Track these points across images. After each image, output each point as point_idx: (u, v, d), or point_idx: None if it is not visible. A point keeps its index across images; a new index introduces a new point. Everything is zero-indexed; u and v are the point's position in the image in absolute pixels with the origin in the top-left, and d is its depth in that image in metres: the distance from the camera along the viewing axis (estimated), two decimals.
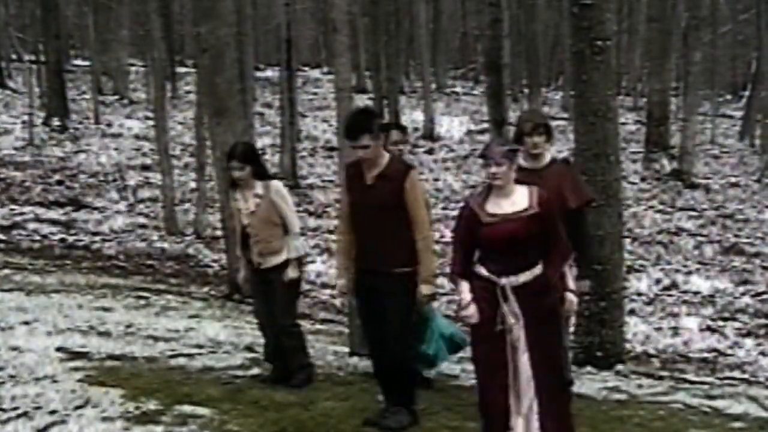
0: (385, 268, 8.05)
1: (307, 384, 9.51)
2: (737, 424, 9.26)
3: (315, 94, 40.50)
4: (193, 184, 24.14)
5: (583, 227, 8.68)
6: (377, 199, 8.01)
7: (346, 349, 11.33)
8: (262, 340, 11.98)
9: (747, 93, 40.06)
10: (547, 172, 8.30)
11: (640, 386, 10.48)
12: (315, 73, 45.93)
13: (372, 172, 8.01)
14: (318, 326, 14.21)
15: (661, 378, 11.82)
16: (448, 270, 7.55)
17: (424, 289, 8.10)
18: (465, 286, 7.13)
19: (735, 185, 29.59)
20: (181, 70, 40.35)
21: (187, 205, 23.94)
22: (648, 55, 35.54)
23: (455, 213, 8.49)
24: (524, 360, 7.11)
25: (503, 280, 7.11)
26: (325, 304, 16.65)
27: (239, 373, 10.02)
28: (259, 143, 29.09)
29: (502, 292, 7.08)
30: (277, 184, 9.53)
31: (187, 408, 8.60)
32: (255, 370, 10.24)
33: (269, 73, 41.24)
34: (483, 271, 7.12)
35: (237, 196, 9.45)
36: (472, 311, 7.08)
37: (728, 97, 47.21)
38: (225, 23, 15.62)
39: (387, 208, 8.01)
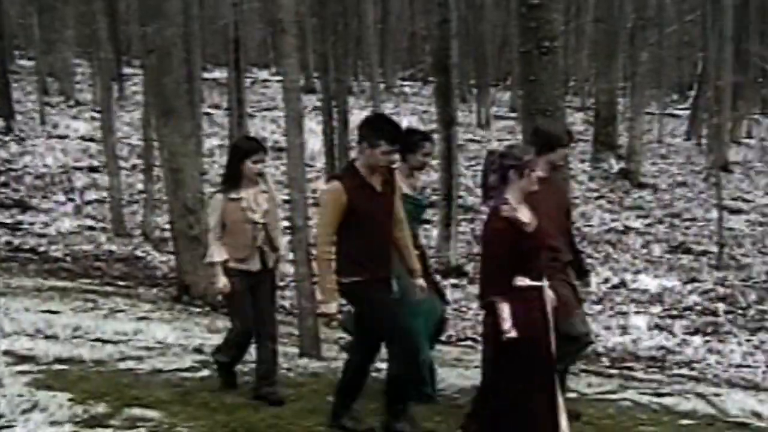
0: (391, 273, 8.00)
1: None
2: (686, 421, 9.33)
3: (263, 94, 40.43)
4: (140, 186, 23.98)
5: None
6: (388, 205, 7.93)
7: (296, 351, 11.31)
8: (212, 342, 11.96)
9: (693, 93, 40.38)
10: (554, 179, 8.30)
11: (589, 384, 10.53)
12: (263, 74, 45.85)
13: (379, 178, 7.86)
14: None
15: (610, 376, 11.89)
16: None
17: (423, 282, 8.24)
18: (508, 308, 6.95)
19: (682, 184, 29.84)
20: (128, 70, 40.10)
21: (134, 207, 23.80)
22: (595, 55, 35.77)
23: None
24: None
25: (545, 283, 7.19)
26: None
27: (188, 375, 9.97)
28: (207, 144, 28.98)
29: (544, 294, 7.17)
30: (268, 177, 9.33)
31: (136, 411, 8.55)
32: (204, 372, 10.19)
33: (217, 73, 41.04)
34: (526, 281, 7.04)
35: (242, 195, 8.95)
36: (514, 334, 6.92)
37: (675, 96, 47.57)
38: (172, 23, 15.53)
39: (392, 213, 7.99)
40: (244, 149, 9.06)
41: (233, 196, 8.91)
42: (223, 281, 8.94)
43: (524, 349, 6.93)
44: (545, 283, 7.16)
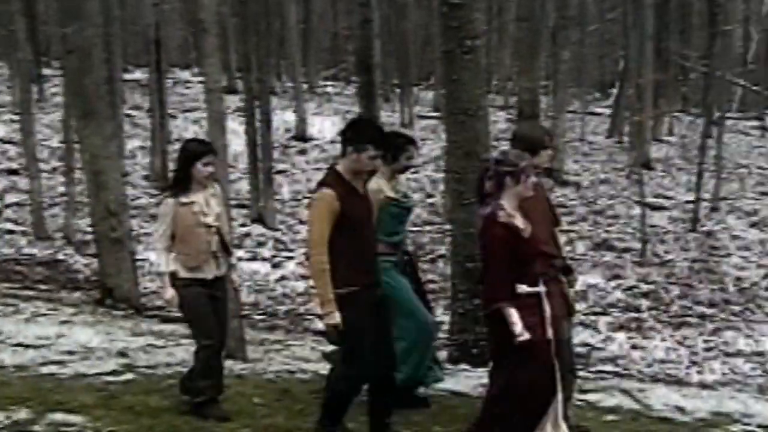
0: (374, 284, 7.89)
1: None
2: (610, 417, 9.39)
3: (185, 95, 40.14)
4: (61, 188, 23.72)
5: None
6: (370, 208, 7.87)
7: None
8: (134, 345, 11.86)
9: (615, 91, 40.71)
10: (539, 183, 8.24)
11: None
12: (185, 74, 45.49)
13: (360, 182, 7.78)
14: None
15: None
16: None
17: None
18: (516, 312, 6.98)
19: (605, 182, 30.07)
20: (48, 71, 39.60)
21: (56, 210, 23.53)
22: (517, 53, 35.86)
23: None
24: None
25: (542, 288, 7.18)
26: None
27: (112, 379, 9.87)
28: (129, 145, 28.76)
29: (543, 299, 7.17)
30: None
31: (59, 416, 8.45)
32: (128, 376, 10.10)
33: (138, 74, 40.68)
34: (524, 288, 7.04)
35: (193, 198, 8.46)
36: (528, 335, 6.97)
37: (597, 94, 47.85)
38: (91, 24, 15.37)
39: (372, 216, 7.91)
40: (194, 151, 8.56)
41: (184, 200, 8.45)
42: (170, 293, 8.51)
43: (526, 354, 6.98)
44: (542, 288, 7.18)
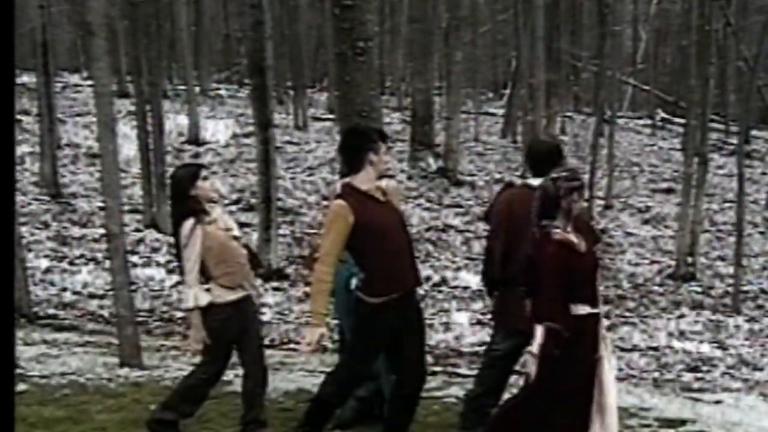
0: (415, 286, 7.73)
1: None
2: None
3: (75, 99, 39.59)
4: None
5: None
6: (396, 213, 7.65)
7: (116, 360, 11.09)
8: (27, 354, 11.65)
9: (507, 91, 41.01)
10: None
11: None
12: (74, 78, 44.90)
13: (378, 189, 7.52)
14: (87, 338, 13.86)
15: (434, 373, 11.92)
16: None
17: None
18: (544, 333, 6.91)
19: (499, 181, 30.20)
20: None
21: None
22: (411, 55, 35.95)
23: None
24: (610, 379, 7.22)
25: (599, 309, 7.13)
26: (93, 315, 16.25)
27: None
28: (18, 151, 28.24)
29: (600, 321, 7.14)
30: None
31: None
32: (21, 386, 9.91)
33: (25, 78, 40.07)
34: (580, 309, 6.96)
35: (214, 216, 7.96)
36: (537, 360, 6.95)
37: (490, 95, 48.15)
38: None
39: (402, 221, 7.70)
40: (188, 175, 7.99)
41: (209, 219, 7.91)
42: (201, 335, 7.91)
43: (568, 375, 6.98)
44: (601, 309, 7.14)
